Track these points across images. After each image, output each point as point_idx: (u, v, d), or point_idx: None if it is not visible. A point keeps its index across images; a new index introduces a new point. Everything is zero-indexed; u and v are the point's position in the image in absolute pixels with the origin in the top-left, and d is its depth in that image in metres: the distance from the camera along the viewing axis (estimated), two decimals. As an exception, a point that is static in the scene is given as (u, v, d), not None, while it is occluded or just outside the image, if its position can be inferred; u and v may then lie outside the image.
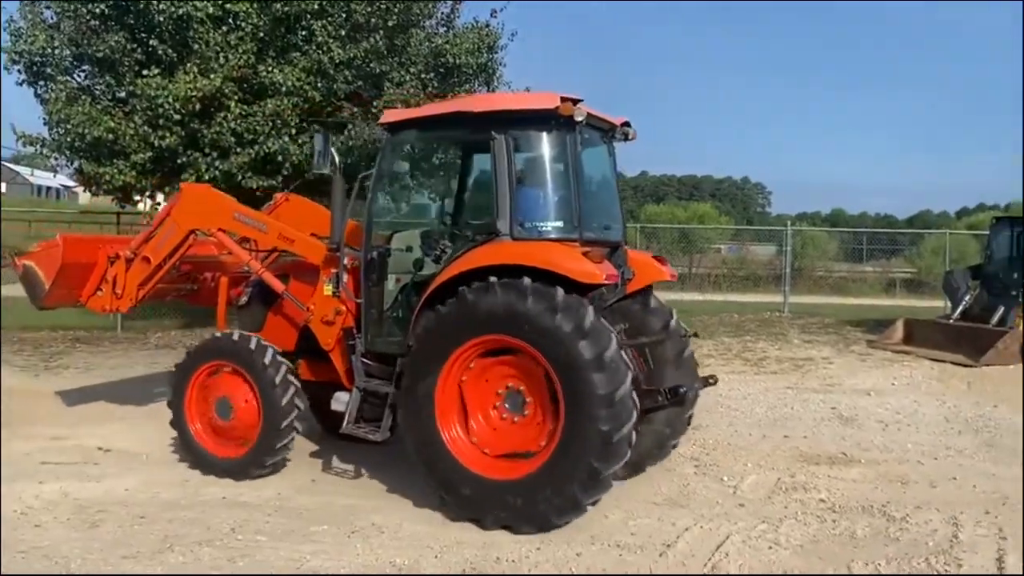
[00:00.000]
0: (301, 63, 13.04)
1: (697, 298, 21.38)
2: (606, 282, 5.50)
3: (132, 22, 13.11)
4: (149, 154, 12.85)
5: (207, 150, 12.96)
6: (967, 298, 14.33)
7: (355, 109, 13.82)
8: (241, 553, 5.16)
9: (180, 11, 12.37)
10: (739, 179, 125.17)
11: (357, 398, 6.25)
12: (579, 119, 5.68)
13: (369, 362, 6.31)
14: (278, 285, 6.85)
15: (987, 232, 15.98)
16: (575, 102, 5.70)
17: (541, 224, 5.86)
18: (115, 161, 13.02)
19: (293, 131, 13.19)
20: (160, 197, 15.72)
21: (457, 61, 14.72)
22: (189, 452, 6.81)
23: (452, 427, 5.74)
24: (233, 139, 12.81)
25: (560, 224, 5.89)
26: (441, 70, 14.96)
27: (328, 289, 6.45)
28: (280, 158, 13.17)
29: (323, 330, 6.56)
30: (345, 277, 6.35)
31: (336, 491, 6.41)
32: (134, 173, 13.05)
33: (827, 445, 8.01)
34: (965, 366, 12.17)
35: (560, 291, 5.32)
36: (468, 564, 5.07)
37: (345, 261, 6.31)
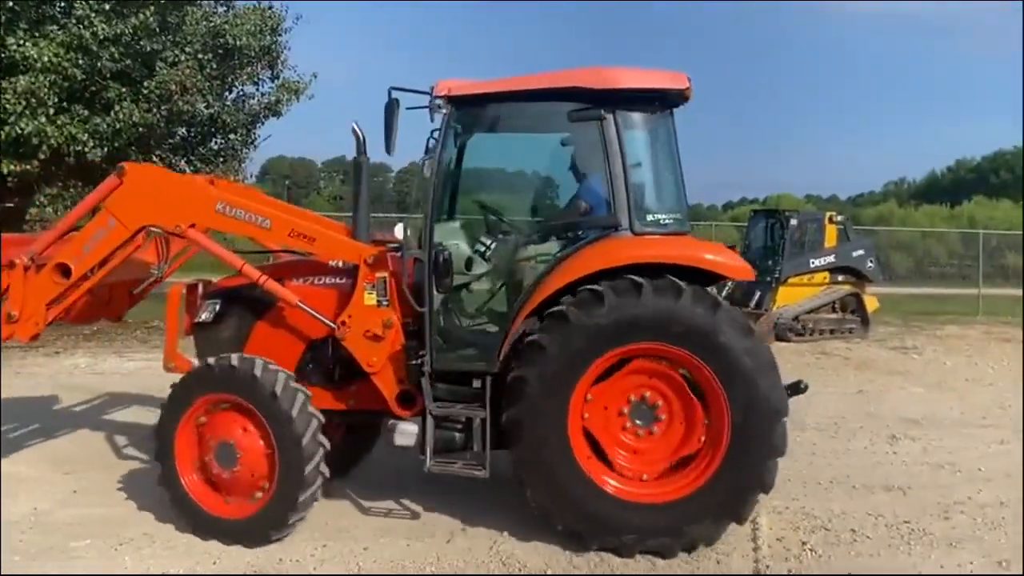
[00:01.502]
0: (59, 37, 11.92)
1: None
2: (751, 277, 5.29)
3: None
4: None
5: (-55, 129, 11.57)
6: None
7: (123, 89, 12.84)
8: (-13, 578, 4.65)
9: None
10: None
11: (433, 428, 5.27)
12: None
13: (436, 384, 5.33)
14: (290, 297, 5.38)
15: (746, 224, 17.64)
16: None
17: (660, 216, 5.30)
18: None
19: (51, 111, 12.05)
20: None
21: (238, 43, 14.10)
22: (183, 513, 5.26)
23: (588, 455, 5.03)
24: (-23, 119, 11.51)
25: (677, 215, 5.40)
26: (220, 51, 14.24)
27: (371, 298, 5.35)
28: (36, 140, 11.97)
29: (367, 347, 5.34)
30: (386, 283, 5.33)
31: (101, 502, 5.90)
32: None
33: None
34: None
35: (714, 291, 4.94)
36: (250, 567, 4.87)
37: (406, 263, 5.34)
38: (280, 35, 15.19)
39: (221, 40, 14.12)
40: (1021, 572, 4.75)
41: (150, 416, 7.55)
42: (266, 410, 5.01)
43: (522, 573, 4.85)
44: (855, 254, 15.37)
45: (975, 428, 8.37)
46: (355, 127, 5.48)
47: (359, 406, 5.52)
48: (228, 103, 15.46)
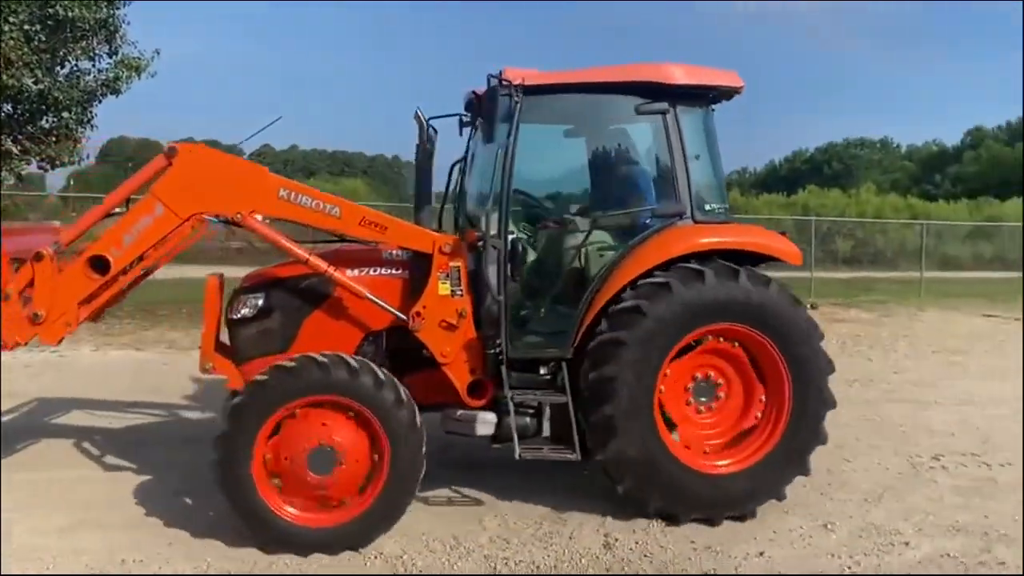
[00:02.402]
0: None
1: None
2: (800, 262, 5.64)
3: None
4: None
5: None
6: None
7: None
8: None
9: None
10: (391, 156, 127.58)
11: (514, 415, 5.22)
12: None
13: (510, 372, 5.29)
14: (360, 289, 5.12)
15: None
16: None
17: (715, 205, 5.68)
18: None
19: None
20: None
21: (69, 14, 13.15)
22: (251, 523, 4.76)
23: (666, 432, 5.30)
24: None
25: (725, 205, 5.86)
26: (50, 22, 13.25)
27: (445, 288, 5.19)
28: None
29: (442, 338, 5.20)
30: (465, 271, 5.24)
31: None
32: None
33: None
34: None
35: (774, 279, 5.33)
36: (87, 568, 4.60)
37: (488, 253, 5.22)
38: (118, 7, 14.28)
39: (51, 11, 13.13)
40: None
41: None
42: (384, 417, 4.73)
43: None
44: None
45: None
46: (418, 112, 5.60)
47: (421, 399, 5.08)
48: (60, 79, 14.39)
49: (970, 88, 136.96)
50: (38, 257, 4.77)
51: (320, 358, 4.72)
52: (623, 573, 4.71)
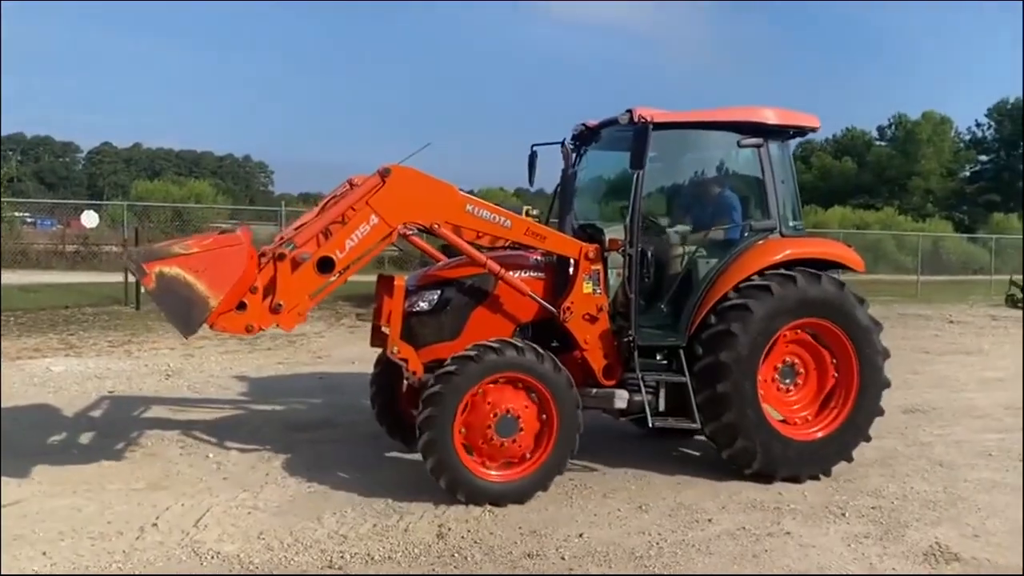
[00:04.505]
0: None
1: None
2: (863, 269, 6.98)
3: None
4: None
5: None
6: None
7: None
8: None
9: None
10: (241, 157, 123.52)
11: (644, 392, 6.30)
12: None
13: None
14: (525, 287, 6.24)
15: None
16: None
17: (795, 223, 7.00)
18: None
19: None
20: None
21: None
22: (449, 477, 5.73)
23: (766, 404, 6.47)
24: None
25: (800, 222, 7.13)
26: None
27: (588, 287, 6.26)
28: None
29: (584, 327, 6.31)
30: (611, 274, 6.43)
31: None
32: None
33: (314, 413, 8.64)
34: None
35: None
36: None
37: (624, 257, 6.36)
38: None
39: None
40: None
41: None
42: (558, 396, 5.85)
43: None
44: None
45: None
46: (565, 144, 7.10)
47: None
48: None
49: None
50: (280, 257, 5.50)
51: (493, 344, 5.79)
52: (453, 559, 5.01)
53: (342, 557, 4.98)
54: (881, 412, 6.73)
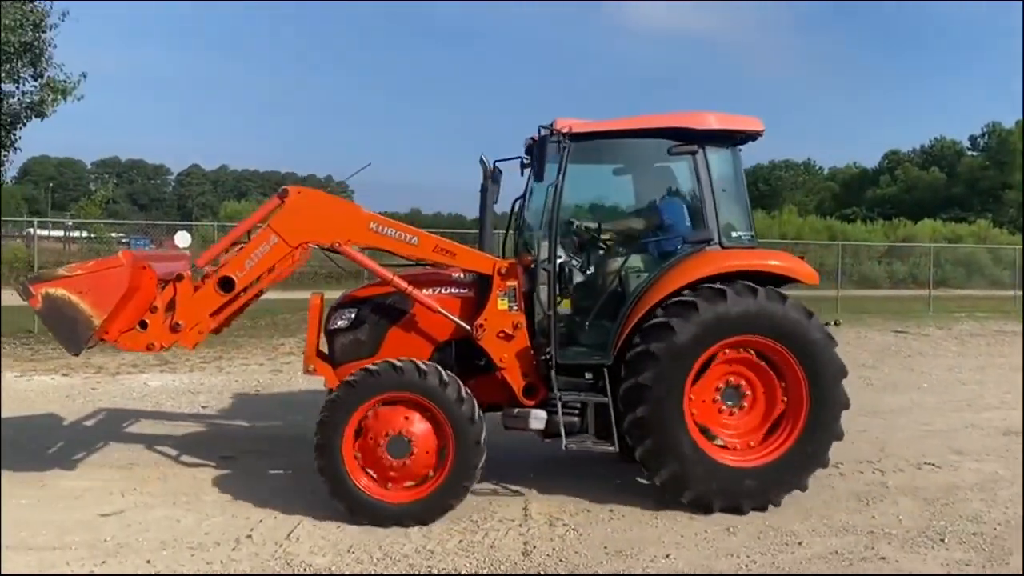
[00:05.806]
0: None
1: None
2: (817, 282, 6.36)
3: None
4: None
5: None
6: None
7: None
8: None
9: None
10: (323, 177, 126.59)
11: (561, 413, 5.94)
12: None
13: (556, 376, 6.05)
14: (434, 304, 6.10)
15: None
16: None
17: (740, 233, 6.45)
18: None
19: None
20: None
21: (-5, 37, 13.05)
22: (346, 501, 5.68)
23: (696, 429, 5.97)
24: None
25: (751, 233, 6.58)
26: (-26, 47, 13.13)
27: (503, 303, 6.06)
28: None
29: (499, 345, 6.09)
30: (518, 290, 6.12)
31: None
32: None
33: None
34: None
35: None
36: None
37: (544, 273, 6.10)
38: (44, 31, 14.20)
39: (-25, 35, 13.03)
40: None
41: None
42: (448, 411, 5.63)
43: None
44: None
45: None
46: (483, 158, 6.62)
47: (481, 399, 5.90)
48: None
49: (885, 114, 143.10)
50: (179, 278, 5.79)
51: (397, 362, 5.68)
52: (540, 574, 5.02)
53: (430, 572, 5.04)
54: (840, 436, 6.11)
